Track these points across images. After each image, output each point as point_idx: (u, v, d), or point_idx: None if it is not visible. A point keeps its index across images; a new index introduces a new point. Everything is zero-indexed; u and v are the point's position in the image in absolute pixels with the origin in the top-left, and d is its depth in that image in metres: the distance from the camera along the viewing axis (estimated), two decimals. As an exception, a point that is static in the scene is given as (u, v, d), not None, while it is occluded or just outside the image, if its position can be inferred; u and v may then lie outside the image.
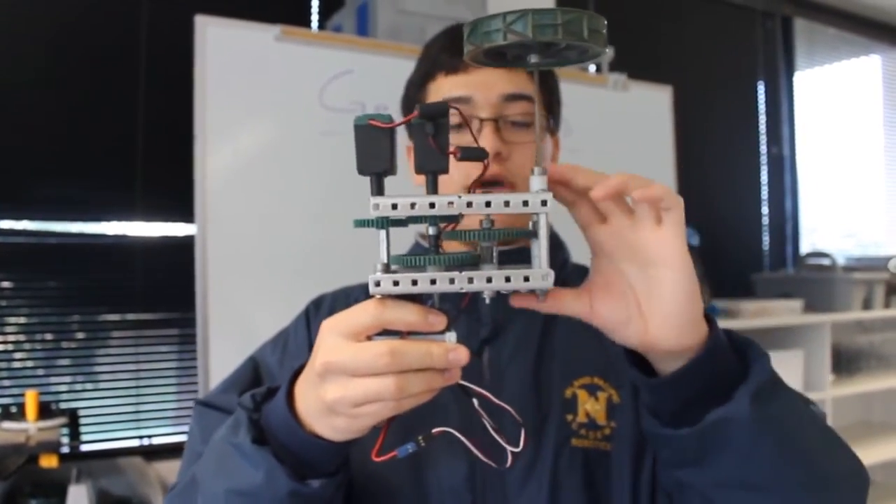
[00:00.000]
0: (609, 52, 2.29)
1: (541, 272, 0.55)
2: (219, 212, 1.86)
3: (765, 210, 3.59)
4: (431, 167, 0.55)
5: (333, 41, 2.06)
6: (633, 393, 0.82)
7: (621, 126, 2.49)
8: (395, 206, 0.54)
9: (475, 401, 0.59)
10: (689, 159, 2.78)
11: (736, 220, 3.48)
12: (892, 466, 3.08)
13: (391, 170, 0.55)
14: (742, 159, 3.54)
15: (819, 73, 3.88)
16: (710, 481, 0.66)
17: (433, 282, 0.54)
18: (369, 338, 0.56)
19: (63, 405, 1.93)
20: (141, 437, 2.19)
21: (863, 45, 4.01)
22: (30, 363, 2.08)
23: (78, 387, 2.13)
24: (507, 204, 0.54)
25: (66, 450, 1.87)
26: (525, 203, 0.54)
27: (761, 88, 3.62)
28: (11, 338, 2.05)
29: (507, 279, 0.54)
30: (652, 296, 0.59)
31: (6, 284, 2.06)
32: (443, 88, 0.89)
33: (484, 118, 0.85)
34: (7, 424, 1.73)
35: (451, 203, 0.54)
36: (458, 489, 0.80)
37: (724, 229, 3.31)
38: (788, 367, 2.68)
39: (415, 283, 0.54)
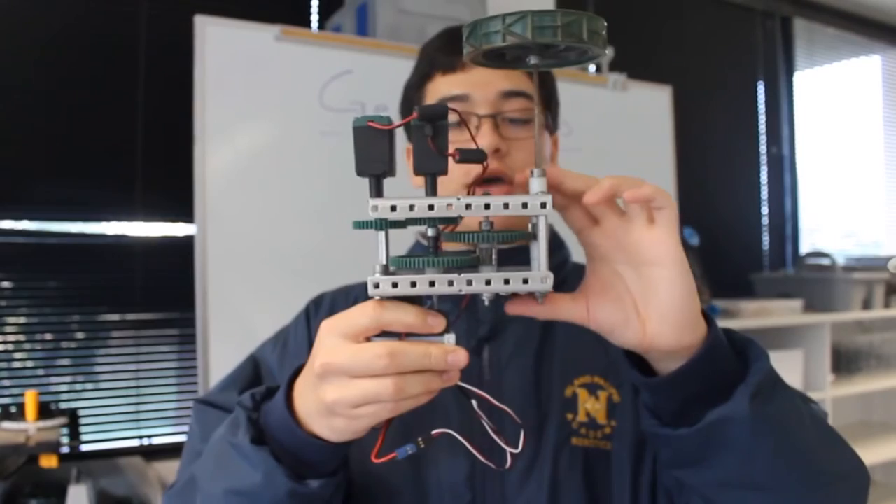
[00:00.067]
0: (609, 53, 2.29)
1: (540, 275, 0.55)
2: (219, 212, 1.86)
3: (764, 210, 3.59)
4: (431, 169, 0.55)
5: (333, 41, 2.06)
6: (633, 392, 0.82)
7: (621, 126, 2.49)
8: (393, 208, 0.54)
9: (474, 402, 0.59)
10: (688, 159, 2.78)
11: (736, 219, 3.48)
12: (892, 466, 3.09)
13: (390, 171, 0.55)
14: (742, 159, 3.54)
15: (819, 73, 3.88)
16: (709, 481, 0.66)
17: (432, 284, 0.54)
18: (368, 339, 0.56)
19: (63, 405, 1.93)
20: (141, 438, 2.19)
21: (863, 45, 4.01)
22: (30, 363, 2.08)
23: (78, 387, 2.13)
24: (506, 206, 0.54)
25: (65, 450, 1.87)
26: (524, 205, 0.54)
27: (761, 88, 3.62)
28: (11, 338, 2.05)
29: (506, 281, 0.54)
30: (648, 296, 0.59)
31: (6, 284, 2.06)
32: (440, 88, 0.89)
33: (482, 115, 0.86)
34: (7, 424, 1.73)
35: (449, 205, 0.54)
36: (457, 488, 0.80)
37: (723, 229, 3.32)
38: (788, 367, 2.68)
39: (413, 285, 0.54)
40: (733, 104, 3.53)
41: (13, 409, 1.80)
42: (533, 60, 0.57)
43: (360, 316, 0.55)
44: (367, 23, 2.15)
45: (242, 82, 1.91)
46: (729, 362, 0.63)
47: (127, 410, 2.18)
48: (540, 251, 0.55)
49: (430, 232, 0.56)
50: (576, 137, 2.31)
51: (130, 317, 2.18)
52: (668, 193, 0.57)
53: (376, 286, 0.54)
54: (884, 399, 3.37)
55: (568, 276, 0.93)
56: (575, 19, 0.53)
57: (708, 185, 3.30)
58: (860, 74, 4.09)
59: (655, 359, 0.63)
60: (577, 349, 0.86)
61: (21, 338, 2.07)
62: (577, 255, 0.92)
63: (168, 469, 2.06)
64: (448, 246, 0.63)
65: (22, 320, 2.07)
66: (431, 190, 0.56)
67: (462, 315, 0.87)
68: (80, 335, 2.14)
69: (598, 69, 2.58)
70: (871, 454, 2.85)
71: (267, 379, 0.90)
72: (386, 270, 0.55)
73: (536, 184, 0.56)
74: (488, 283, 0.54)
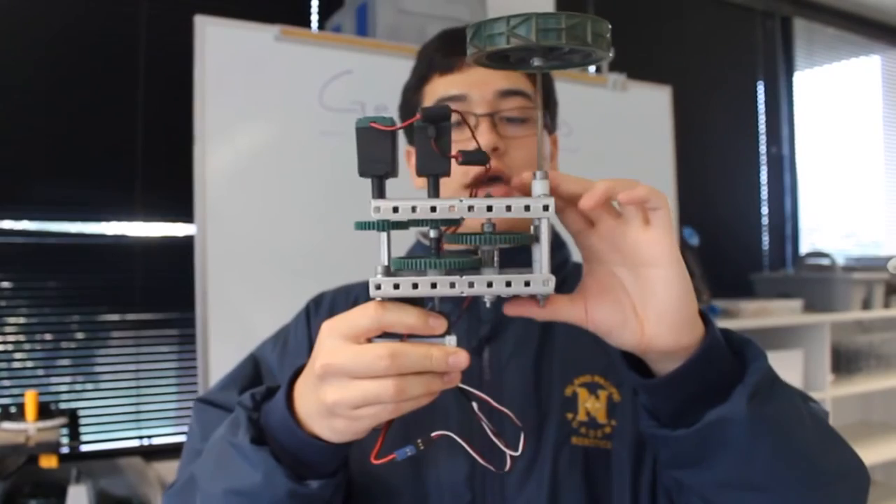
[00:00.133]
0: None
1: (542, 277, 0.55)
2: (218, 212, 1.86)
3: (764, 210, 3.59)
4: (434, 170, 0.55)
5: (333, 41, 2.06)
6: (633, 392, 0.82)
7: (621, 126, 2.49)
8: (396, 210, 0.54)
9: (475, 404, 0.59)
10: (688, 159, 2.78)
11: (735, 219, 3.48)
12: (892, 466, 3.09)
13: (392, 172, 0.55)
14: (741, 159, 3.54)
15: (818, 73, 3.88)
16: (708, 481, 0.66)
17: (434, 285, 0.54)
18: (369, 340, 0.56)
19: (63, 405, 1.93)
20: (140, 438, 2.19)
21: (862, 45, 4.01)
22: (29, 363, 2.07)
23: (78, 387, 2.13)
24: (508, 209, 0.54)
25: (65, 450, 1.87)
26: (527, 208, 0.54)
27: (761, 88, 3.62)
28: (11, 338, 2.05)
29: (508, 284, 0.54)
30: (646, 296, 0.59)
31: (6, 284, 2.06)
32: (438, 89, 0.90)
33: (479, 114, 0.86)
34: (7, 425, 1.73)
35: (452, 207, 0.54)
36: (457, 488, 0.80)
37: (723, 229, 3.32)
38: (788, 366, 2.68)
39: (415, 286, 0.54)
40: (733, 104, 3.53)
41: (13, 410, 1.80)
42: (537, 62, 0.57)
43: (361, 317, 0.55)
44: (366, 23, 2.15)
45: (242, 82, 1.91)
46: (727, 362, 0.63)
47: (127, 411, 2.18)
48: (542, 254, 0.55)
49: (433, 233, 0.56)
50: (575, 138, 2.31)
51: (130, 317, 2.18)
52: (663, 194, 0.57)
53: (378, 287, 0.54)
54: (884, 399, 3.37)
55: (568, 275, 0.93)
56: (579, 22, 0.53)
57: (708, 185, 3.30)
58: (860, 74, 4.09)
59: (653, 360, 0.63)
60: (577, 348, 0.86)
61: (21, 338, 2.07)
62: (578, 255, 0.93)
63: (168, 469, 2.06)
64: (449, 247, 0.63)
65: (22, 320, 2.07)
66: (434, 191, 0.56)
67: (463, 316, 0.87)
68: (80, 335, 2.14)
69: (598, 69, 2.58)
70: (871, 454, 2.85)
71: (267, 378, 0.90)
72: (387, 271, 0.54)
73: (539, 186, 0.56)
74: (490, 285, 0.54)
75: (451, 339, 0.55)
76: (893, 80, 4.17)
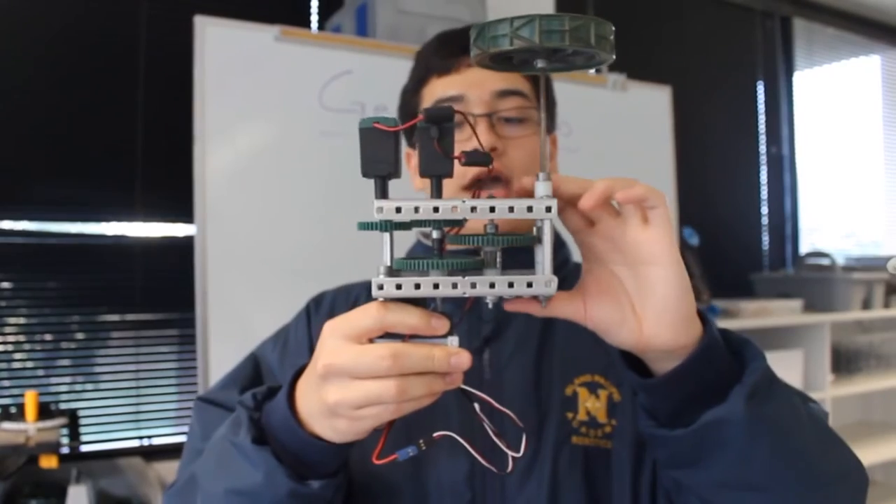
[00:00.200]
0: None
1: (544, 278, 0.55)
2: (218, 212, 1.86)
3: (764, 210, 3.59)
4: (437, 171, 0.55)
5: (333, 41, 2.06)
6: (633, 391, 0.82)
7: (621, 126, 2.49)
8: (398, 210, 0.54)
9: (476, 405, 0.59)
10: (688, 159, 2.78)
11: (735, 219, 3.48)
12: (892, 466, 3.09)
13: (395, 173, 0.55)
14: (741, 159, 3.54)
15: (818, 73, 3.89)
16: (706, 482, 0.66)
17: (436, 286, 0.54)
18: (371, 340, 0.56)
19: (63, 405, 1.93)
20: (141, 438, 2.19)
21: (862, 45, 4.01)
22: (29, 363, 2.07)
23: (78, 387, 2.13)
24: (511, 210, 0.54)
25: (65, 450, 1.87)
26: (529, 209, 0.54)
27: (760, 88, 3.62)
28: (11, 338, 2.05)
29: (510, 285, 0.54)
30: (644, 294, 0.59)
31: (6, 284, 2.06)
32: (436, 90, 0.90)
33: (477, 115, 0.86)
34: (7, 425, 1.73)
35: (454, 208, 0.54)
36: (458, 487, 0.80)
37: (723, 229, 3.32)
38: (788, 366, 2.68)
39: (418, 286, 0.54)
40: (733, 104, 3.53)
41: (13, 410, 1.80)
42: (540, 64, 0.57)
43: (363, 317, 0.55)
44: (366, 23, 2.15)
45: (242, 82, 1.91)
46: (725, 362, 0.63)
47: (127, 411, 2.18)
48: (545, 255, 0.55)
49: (435, 234, 0.56)
50: (575, 138, 2.31)
51: (130, 317, 2.18)
52: (661, 192, 0.57)
53: (380, 287, 0.54)
54: (884, 399, 3.37)
55: (568, 275, 0.93)
56: (583, 24, 0.53)
57: (708, 185, 3.30)
58: (860, 74, 4.09)
59: (652, 359, 0.63)
60: (577, 348, 0.86)
61: (21, 338, 2.06)
62: (578, 254, 0.93)
63: (168, 469, 2.06)
64: (450, 247, 0.63)
65: (22, 321, 2.07)
66: (437, 192, 0.56)
67: (465, 316, 0.87)
68: (80, 335, 2.14)
69: (598, 69, 2.58)
70: (871, 454, 2.86)
71: (267, 377, 0.90)
72: (390, 272, 0.54)
73: (542, 188, 0.56)
74: (492, 285, 0.54)
75: (454, 340, 0.55)
76: (893, 80, 4.17)
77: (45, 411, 1.80)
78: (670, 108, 2.64)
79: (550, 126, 0.97)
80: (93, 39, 2.16)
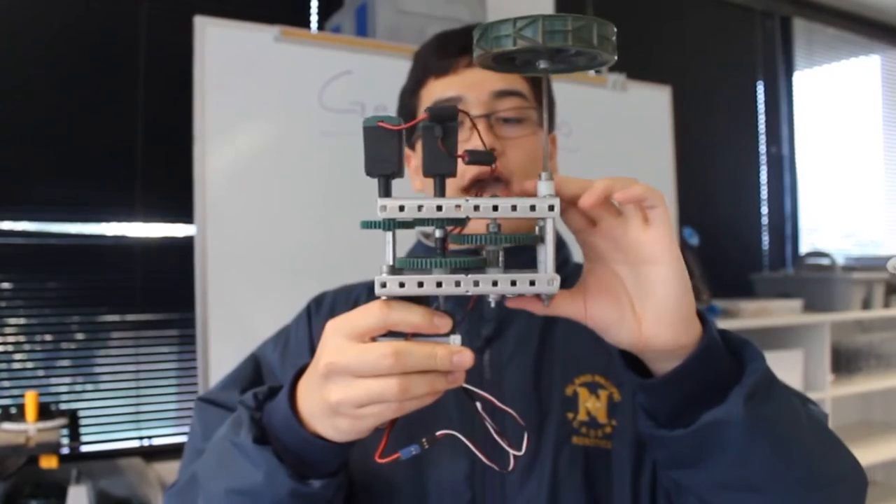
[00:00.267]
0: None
1: (546, 277, 0.55)
2: (218, 212, 1.86)
3: (764, 210, 3.59)
4: (440, 170, 0.55)
5: (333, 42, 2.06)
6: (633, 391, 0.82)
7: (620, 126, 2.49)
8: (402, 208, 0.54)
9: (478, 404, 0.59)
10: (688, 159, 2.78)
11: (735, 219, 3.48)
12: (892, 466, 3.09)
13: (399, 172, 0.55)
14: (741, 159, 3.55)
15: (818, 73, 3.89)
16: (705, 482, 0.66)
17: (439, 284, 0.54)
18: (373, 339, 0.56)
19: (63, 406, 1.93)
20: (141, 438, 2.19)
21: (862, 45, 4.01)
22: (30, 364, 2.07)
23: (78, 387, 2.13)
24: (514, 208, 0.54)
25: (65, 451, 1.87)
26: (532, 208, 0.54)
27: (760, 88, 3.62)
28: (11, 339, 2.05)
29: (513, 283, 0.54)
30: (644, 294, 0.59)
31: (6, 285, 2.05)
32: (434, 91, 0.90)
33: (476, 115, 0.86)
34: (7, 425, 1.73)
35: (458, 206, 0.54)
36: (458, 486, 0.80)
37: (723, 229, 3.32)
38: (788, 366, 2.68)
39: (420, 285, 0.53)
40: (733, 104, 3.53)
41: (13, 410, 1.80)
42: (543, 65, 0.57)
43: (366, 316, 0.55)
44: (366, 23, 2.15)
45: (242, 83, 1.91)
46: (724, 363, 0.63)
47: (127, 411, 2.18)
48: (547, 254, 0.56)
49: (438, 233, 0.56)
50: (575, 138, 2.31)
51: (130, 317, 2.18)
52: (660, 192, 0.57)
53: (383, 285, 0.54)
54: (884, 399, 3.37)
55: (569, 275, 0.92)
56: (585, 24, 0.53)
57: (708, 185, 3.30)
58: (860, 74, 4.09)
59: (651, 359, 0.63)
60: (577, 348, 0.86)
61: (21, 339, 2.06)
62: (579, 254, 0.93)
63: (168, 470, 2.06)
64: (453, 247, 0.63)
65: (22, 321, 2.07)
66: (440, 191, 0.56)
67: (467, 316, 0.87)
68: (80, 336, 2.14)
69: (598, 70, 2.58)
70: (871, 454, 2.85)
71: (268, 378, 0.90)
72: (393, 271, 0.54)
73: (544, 187, 0.56)
74: (495, 284, 0.54)
75: (456, 339, 0.55)
76: (893, 80, 4.17)
77: (45, 412, 1.80)
78: (670, 108, 2.64)
79: (550, 126, 0.97)
80: (93, 39, 2.16)
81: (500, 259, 0.56)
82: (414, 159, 0.95)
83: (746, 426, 0.60)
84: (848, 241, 4.04)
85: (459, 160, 0.56)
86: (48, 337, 2.10)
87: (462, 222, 0.56)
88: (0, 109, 2.03)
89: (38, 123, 2.08)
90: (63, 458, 1.76)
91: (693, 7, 3.43)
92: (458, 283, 0.54)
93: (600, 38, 0.54)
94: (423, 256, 0.55)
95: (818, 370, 2.80)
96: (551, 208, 0.55)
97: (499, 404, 0.59)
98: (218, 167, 1.87)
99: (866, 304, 3.00)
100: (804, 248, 3.68)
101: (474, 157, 0.56)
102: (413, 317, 0.54)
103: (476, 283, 0.54)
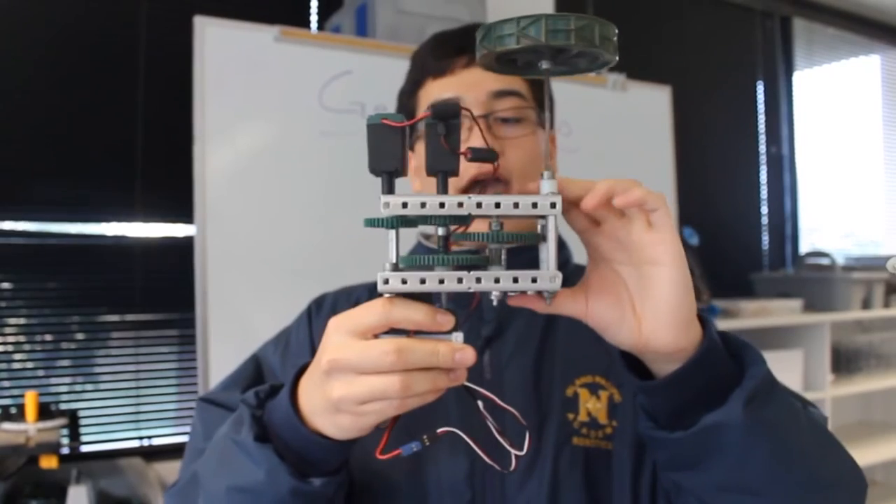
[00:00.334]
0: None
1: (549, 274, 0.55)
2: (218, 212, 1.86)
3: (764, 210, 3.59)
4: (443, 167, 0.55)
5: (332, 42, 2.06)
6: (634, 393, 0.82)
7: (620, 126, 2.49)
8: (405, 205, 0.54)
9: (480, 403, 0.59)
10: (688, 159, 2.79)
11: (735, 219, 3.48)
12: (892, 466, 3.09)
13: (402, 170, 0.55)
14: (741, 159, 3.55)
15: (818, 72, 3.89)
16: (704, 484, 0.66)
17: (441, 281, 0.54)
18: (376, 336, 0.56)
19: (63, 406, 1.93)
20: (141, 438, 2.19)
21: (862, 45, 4.02)
22: (30, 364, 2.07)
23: (78, 387, 2.13)
24: (516, 206, 0.54)
25: (65, 451, 1.87)
26: (534, 205, 0.55)
27: (760, 88, 3.62)
28: (11, 339, 2.05)
29: (515, 280, 0.54)
30: (645, 294, 0.59)
31: (6, 285, 2.05)
32: (432, 92, 0.90)
33: (474, 116, 0.86)
34: (7, 425, 1.73)
35: (460, 204, 0.54)
36: (458, 486, 0.80)
37: (723, 229, 3.32)
38: (788, 366, 2.68)
39: (423, 281, 0.53)
40: (733, 104, 3.53)
41: (13, 410, 1.80)
42: (545, 65, 0.57)
43: (368, 312, 0.55)
44: (366, 23, 2.15)
45: (242, 83, 1.91)
46: (725, 366, 0.63)
47: (127, 411, 2.17)
48: (549, 252, 0.56)
49: (441, 231, 0.56)
50: (575, 138, 2.31)
51: (130, 317, 2.18)
52: (660, 194, 0.57)
53: (386, 282, 0.54)
54: (884, 399, 3.37)
55: (569, 276, 0.92)
56: (588, 24, 0.53)
57: (708, 185, 3.30)
58: (860, 74, 4.10)
59: (651, 361, 0.63)
60: (578, 348, 0.86)
61: (21, 339, 2.06)
62: (579, 255, 0.93)
63: (168, 470, 2.06)
64: (454, 247, 0.63)
65: (22, 321, 2.07)
66: (443, 189, 0.56)
67: (469, 316, 0.87)
68: (80, 336, 2.14)
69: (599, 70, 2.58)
70: (871, 454, 2.86)
71: (269, 378, 0.90)
72: (396, 268, 0.54)
73: (547, 185, 0.56)
74: (497, 281, 0.54)
75: (458, 336, 0.55)
76: (893, 80, 4.17)
77: (45, 412, 1.80)
78: (670, 108, 2.64)
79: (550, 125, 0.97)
80: (93, 39, 2.16)
81: (503, 258, 0.56)
82: (414, 160, 0.95)
83: (746, 429, 0.60)
84: (848, 241, 4.05)
85: (461, 158, 0.56)
86: (48, 337, 2.10)
87: (465, 221, 0.55)
88: (0, 109, 2.03)
89: (38, 123, 2.08)
90: (63, 458, 1.76)
91: (693, 7, 3.43)
92: (460, 280, 0.54)
93: (602, 39, 0.54)
94: (425, 255, 0.55)
95: (818, 370, 2.80)
96: (553, 205, 0.55)
97: (500, 403, 0.59)
98: (218, 167, 1.87)
99: (866, 304, 3.01)
100: (804, 247, 3.68)
101: (477, 155, 0.56)
102: (415, 314, 0.54)
103: (478, 280, 0.54)
